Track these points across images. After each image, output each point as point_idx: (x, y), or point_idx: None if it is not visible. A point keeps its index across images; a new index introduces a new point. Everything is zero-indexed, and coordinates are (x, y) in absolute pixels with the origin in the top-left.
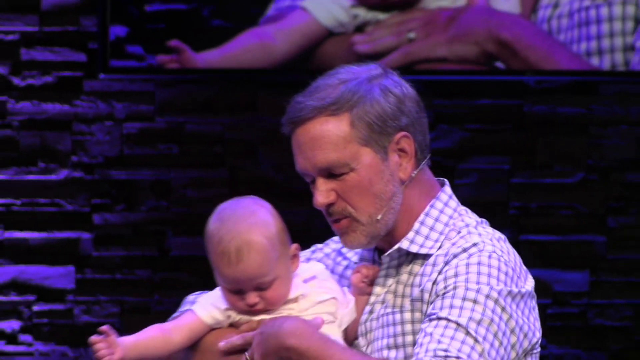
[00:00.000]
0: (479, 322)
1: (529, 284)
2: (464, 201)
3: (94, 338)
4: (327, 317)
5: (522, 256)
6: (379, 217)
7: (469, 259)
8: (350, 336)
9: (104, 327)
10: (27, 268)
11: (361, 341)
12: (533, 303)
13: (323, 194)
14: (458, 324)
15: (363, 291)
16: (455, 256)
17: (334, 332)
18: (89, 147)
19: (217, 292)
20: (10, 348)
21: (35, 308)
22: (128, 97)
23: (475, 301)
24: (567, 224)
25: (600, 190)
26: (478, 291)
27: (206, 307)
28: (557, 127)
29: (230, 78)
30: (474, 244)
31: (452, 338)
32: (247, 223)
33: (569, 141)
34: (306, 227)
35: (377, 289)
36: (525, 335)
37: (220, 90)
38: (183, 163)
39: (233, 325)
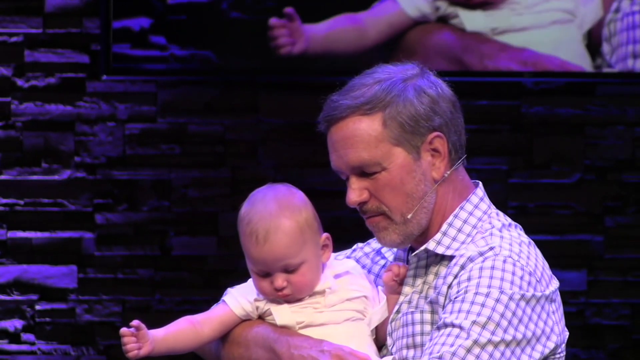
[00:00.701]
0: (483, 326)
1: (551, 287)
2: None
3: (124, 330)
4: (355, 315)
5: None
6: (409, 216)
7: (483, 262)
8: (381, 336)
9: (135, 322)
10: (29, 267)
11: (388, 340)
12: (553, 307)
13: (356, 192)
14: (461, 328)
15: (394, 290)
16: (471, 260)
17: (362, 330)
18: (91, 148)
19: (248, 283)
20: (13, 347)
21: (38, 307)
22: (130, 98)
23: (483, 305)
24: (564, 224)
25: (597, 190)
26: (487, 295)
27: (236, 298)
28: (555, 127)
29: (231, 79)
30: (491, 248)
31: (452, 345)
32: (277, 206)
33: (566, 141)
34: None
35: (406, 289)
36: (538, 340)
37: (221, 91)
38: (184, 163)
39: (262, 317)
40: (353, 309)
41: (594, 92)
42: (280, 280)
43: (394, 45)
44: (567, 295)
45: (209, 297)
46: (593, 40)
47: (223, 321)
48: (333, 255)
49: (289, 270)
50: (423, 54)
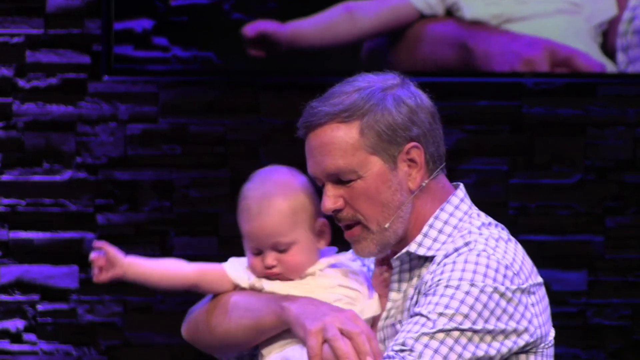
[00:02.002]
0: (451, 317)
1: (530, 281)
2: None
3: (93, 256)
4: (346, 299)
5: None
6: (386, 225)
7: (457, 257)
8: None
9: (100, 243)
10: (31, 268)
11: (381, 347)
12: (532, 299)
13: (331, 199)
14: (428, 318)
15: (382, 293)
16: (446, 257)
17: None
18: (92, 148)
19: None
20: (15, 347)
21: (40, 307)
22: (131, 98)
23: (452, 297)
24: (565, 224)
25: (597, 190)
26: (457, 287)
27: (233, 263)
28: (555, 128)
29: (233, 80)
30: (466, 244)
31: (416, 332)
32: (274, 186)
33: (567, 142)
34: None
35: (393, 295)
36: (515, 332)
37: (222, 91)
38: (186, 164)
39: (253, 289)
40: (344, 294)
41: (595, 92)
42: (270, 258)
43: (398, 36)
44: (567, 295)
45: (209, 297)
46: (609, 47)
47: (212, 272)
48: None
49: (279, 249)
50: (430, 43)
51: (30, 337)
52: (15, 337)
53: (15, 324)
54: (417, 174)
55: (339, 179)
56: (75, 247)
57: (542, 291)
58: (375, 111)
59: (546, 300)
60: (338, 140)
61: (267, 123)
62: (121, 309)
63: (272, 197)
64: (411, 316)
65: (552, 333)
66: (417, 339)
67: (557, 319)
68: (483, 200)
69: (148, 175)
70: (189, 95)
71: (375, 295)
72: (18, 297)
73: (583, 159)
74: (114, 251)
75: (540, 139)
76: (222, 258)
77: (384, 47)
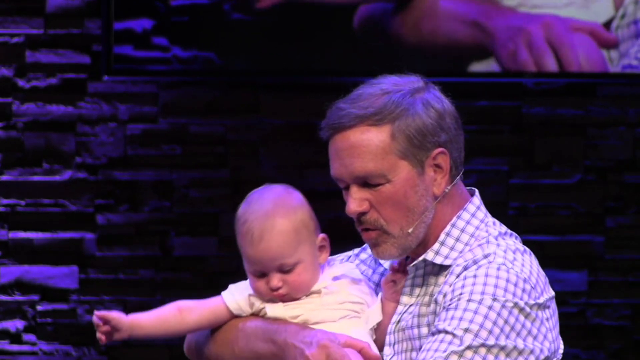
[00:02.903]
0: (476, 334)
1: (545, 295)
2: None
3: (96, 317)
4: (352, 314)
5: None
6: (410, 230)
7: (477, 270)
8: (379, 339)
9: (101, 313)
10: (31, 268)
11: (387, 350)
12: (547, 314)
13: (357, 202)
14: (453, 335)
15: (392, 297)
16: (465, 268)
17: (359, 326)
18: (92, 148)
19: (246, 282)
20: (14, 347)
21: (39, 308)
22: (131, 98)
23: (475, 312)
24: (565, 224)
25: (598, 190)
26: (480, 302)
27: (233, 293)
28: (555, 128)
29: (233, 80)
30: (485, 256)
31: (445, 351)
32: (273, 206)
33: (567, 142)
34: None
35: (405, 299)
36: (532, 351)
37: (222, 91)
38: (186, 164)
39: (255, 314)
40: (349, 309)
41: (595, 92)
42: (275, 280)
43: (402, 5)
44: (568, 295)
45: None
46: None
47: (213, 312)
48: (335, 257)
49: (284, 270)
50: (441, 17)
51: (30, 337)
52: (15, 338)
53: (15, 325)
54: (442, 180)
55: (366, 182)
56: (75, 248)
57: (554, 304)
58: (407, 115)
59: (557, 314)
60: (368, 143)
61: (268, 123)
62: (121, 309)
63: (273, 219)
64: (434, 333)
65: (562, 346)
66: (446, 358)
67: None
68: (483, 201)
69: (148, 176)
70: (189, 96)
71: (378, 301)
72: (18, 297)
73: (583, 159)
74: (116, 317)
75: (541, 139)
76: (222, 258)
77: (383, 16)
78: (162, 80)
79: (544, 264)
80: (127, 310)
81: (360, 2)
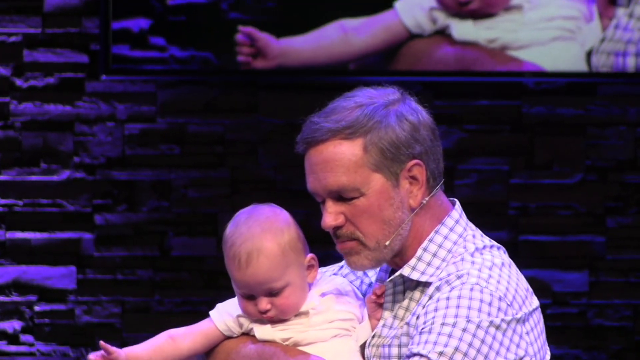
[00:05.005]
0: (450, 357)
1: (524, 309)
2: (463, 202)
3: (91, 357)
4: (342, 332)
5: (521, 257)
6: (387, 243)
7: (450, 292)
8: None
9: (103, 343)
10: (28, 268)
11: None
12: (527, 327)
13: (332, 216)
14: (428, 358)
15: (374, 313)
16: (438, 290)
17: (351, 346)
18: (90, 148)
19: (234, 300)
20: (12, 348)
21: (37, 308)
22: (130, 98)
23: (450, 335)
24: (566, 224)
25: (598, 190)
26: (454, 325)
27: (221, 314)
28: (556, 127)
29: (231, 79)
30: (458, 277)
31: None
32: (259, 228)
33: (568, 142)
34: (305, 226)
35: (386, 314)
36: None
37: (221, 91)
38: (184, 163)
39: (246, 334)
40: (339, 327)
41: (595, 92)
42: (264, 303)
43: (393, 54)
44: (568, 296)
45: (208, 298)
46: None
47: (205, 335)
48: (322, 269)
49: (272, 293)
50: (429, 64)
51: (27, 338)
52: (13, 338)
53: (12, 325)
54: (418, 191)
55: (341, 196)
56: (73, 248)
57: (537, 315)
58: (379, 128)
59: (541, 323)
60: (341, 157)
61: (266, 123)
62: (119, 309)
63: (260, 243)
64: (408, 357)
65: (548, 356)
66: None
67: (559, 320)
68: (484, 201)
69: (146, 175)
70: (187, 95)
71: (366, 318)
72: (15, 298)
73: (584, 158)
74: (115, 351)
75: (541, 138)
76: (221, 258)
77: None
78: (160, 80)
79: (544, 264)
80: (126, 310)
81: (353, 58)
